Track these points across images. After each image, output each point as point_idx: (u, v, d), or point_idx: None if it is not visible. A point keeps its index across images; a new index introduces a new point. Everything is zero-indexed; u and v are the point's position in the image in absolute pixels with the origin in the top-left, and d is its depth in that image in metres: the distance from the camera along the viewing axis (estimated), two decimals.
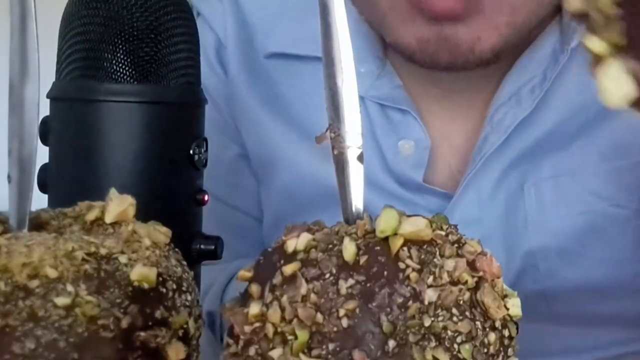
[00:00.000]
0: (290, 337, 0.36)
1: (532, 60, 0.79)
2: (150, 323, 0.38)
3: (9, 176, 0.40)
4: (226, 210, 0.88)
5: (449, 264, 0.38)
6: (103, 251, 0.38)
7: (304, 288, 0.37)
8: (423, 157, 0.80)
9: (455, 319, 0.37)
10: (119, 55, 0.53)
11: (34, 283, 0.36)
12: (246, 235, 0.89)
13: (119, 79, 0.53)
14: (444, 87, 0.81)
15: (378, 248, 0.38)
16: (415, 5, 0.71)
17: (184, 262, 0.42)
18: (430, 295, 0.37)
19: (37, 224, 0.42)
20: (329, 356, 0.36)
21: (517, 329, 0.39)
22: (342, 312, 0.36)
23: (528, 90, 0.78)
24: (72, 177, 0.55)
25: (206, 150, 0.57)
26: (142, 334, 0.38)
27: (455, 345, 0.37)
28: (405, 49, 0.74)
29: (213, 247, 0.57)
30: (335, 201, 0.74)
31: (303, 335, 0.36)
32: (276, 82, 0.86)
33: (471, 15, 0.70)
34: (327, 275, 0.37)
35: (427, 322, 0.36)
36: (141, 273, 0.38)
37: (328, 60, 0.40)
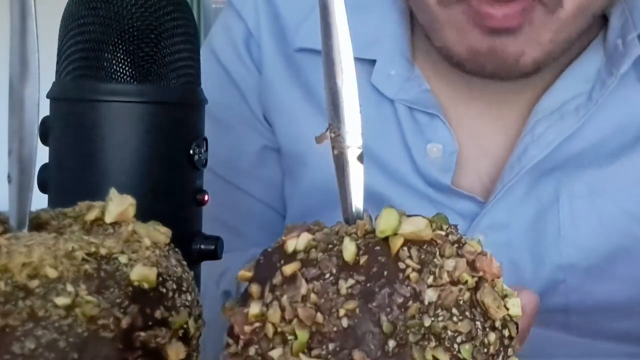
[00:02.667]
0: (290, 337, 0.36)
1: (576, 77, 0.81)
2: (150, 323, 0.38)
3: (9, 176, 0.40)
4: (247, 201, 0.88)
5: (449, 264, 0.38)
6: (103, 251, 0.38)
7: (304, 288, 0.37)
8: (451, 161, 0.81)
9: (455, 319, 0.37)
10: (119, 55, 0.53)
11: (34, 283, 0.36)
12: (264, 226, 0.89)
13: (119, 79, 0.53)
14: (472, 91, 0.81)
15: (378, 248, 0.38)
16: (474, 20, 0.74)
17: (184, 262, 0.42)
18: (430, 295, 0.37)
19: (37, 224, 0.42)
20: (329, 356, 0.36)
21: (517, 328, 0.39)
22: (342, 312, 0.36)
23: (573, 108, 0.79)
24: (72, 177, 0.55)
25: (206, 150, 0.57)
26: (142, 334, 0.38)
27: (455, 345, 0.37)
28: (454, 56, 0.77)
29: (213, 247, 0.57)
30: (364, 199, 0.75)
31: (303, 335, 0.36)
32: (308, 77, 0.86)
33: (521, 29, 0.74)
34: (327, 275, 0.37)
35: (427, 322, 0.36)
36: (141, 273, 0.38)
37: (328, 60, 0.40)
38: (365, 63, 0.83)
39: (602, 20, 0.82)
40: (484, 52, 0.75)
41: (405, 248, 0.37)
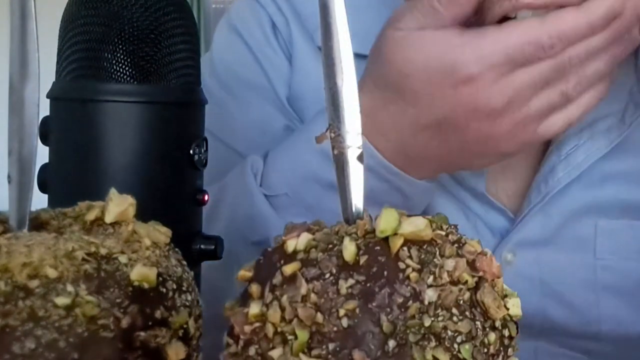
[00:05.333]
0: (290, 337, 0.36)
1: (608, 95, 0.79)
2: (150, 323, 0.38)
3: (9, 176, 0.40)
4: None
5: (449, 263, 0.38)
6: (103, 251, 0.38)
7: (304, 288, 0.37)
8: None
9: (455, 318, 0.37)
10: (119, 55, 0.53)
11: (34, 283, 0.36)
12: None
13: (119, 79, 0.53)
14: None
15: (378, 248, 0.38)
16: None
17: (184, 262, 0.42)
18: (430, 295, 0.37)
19: (37, 224, 0.42)
20: (329, 356, 0.36)
21: (517, 328, 0.39)
22: (342, 312, 0.36)
23: (605, 128, 0.78)
24: (72, 177, 0.55)
25: (206, 150, 0.57)
26: (142, 334, 0.38)
27: (455, 345, 0.37)
28: None
29: (213, 247, 0.57)
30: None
31: (303, 335, 0.36)
32: None
33: None
34: (327, 275, 0.37)
35: (427, 322, 0.36)
36: (141, 273, 0.38)
37: (328, 60, 0.40)
38: None
39: None
40: None
41: (405, 248, 0.37)
